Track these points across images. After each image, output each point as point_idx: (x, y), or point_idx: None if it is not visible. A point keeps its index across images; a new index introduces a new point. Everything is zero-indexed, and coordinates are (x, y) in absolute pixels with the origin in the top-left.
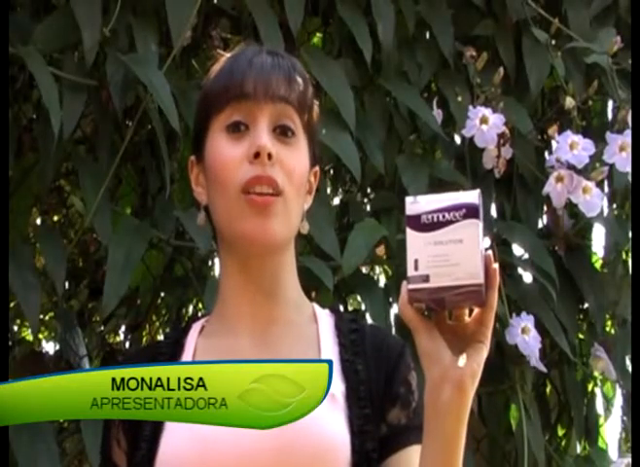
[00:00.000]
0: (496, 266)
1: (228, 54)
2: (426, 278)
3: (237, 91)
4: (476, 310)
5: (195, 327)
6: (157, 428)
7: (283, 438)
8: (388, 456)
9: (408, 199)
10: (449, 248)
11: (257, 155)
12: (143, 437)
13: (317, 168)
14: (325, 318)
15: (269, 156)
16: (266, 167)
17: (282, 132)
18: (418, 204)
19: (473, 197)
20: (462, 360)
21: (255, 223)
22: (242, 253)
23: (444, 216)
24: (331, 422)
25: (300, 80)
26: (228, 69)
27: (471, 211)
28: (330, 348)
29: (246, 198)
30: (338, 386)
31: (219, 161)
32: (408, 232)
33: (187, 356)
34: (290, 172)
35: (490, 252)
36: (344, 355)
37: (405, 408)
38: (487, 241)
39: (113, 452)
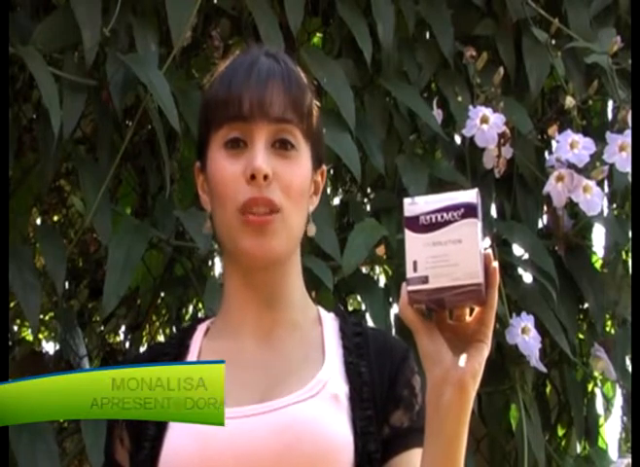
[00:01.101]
0: (496, 264)
1: (228, 61)
2: (425, 279)
3: (234, 112)
4: (476, 310)
5: (201, 328)
6: (160, 428)
7: (286, 438)
8: (390, 458)
9: (406, 201)
10: (448, 248)
11: (253, 177)
12: (147, 436)
13: (324, 167)
14: (329, 321)
15: (265, 177)
16: (262, 188)
17: (282, 146)
18: (416, 205)
19: (471, 196)
20: (463, 360)
21: (254, 242)
22: (244, 265)
23: (442, 216)
24: (333, 423)
25: (298, 89)
26: (226, 81)
27: (469, 211)
28: (334, 351)
29: (243, 219)
30: (342, 388)
31: (218, 177)
32: (407, 233)
33: (191, 357)
34: (288, 187)
35: (490, 251)
36: (348, 358)
37: (408, 410)
38: (487, 241)
39: (116, 451)
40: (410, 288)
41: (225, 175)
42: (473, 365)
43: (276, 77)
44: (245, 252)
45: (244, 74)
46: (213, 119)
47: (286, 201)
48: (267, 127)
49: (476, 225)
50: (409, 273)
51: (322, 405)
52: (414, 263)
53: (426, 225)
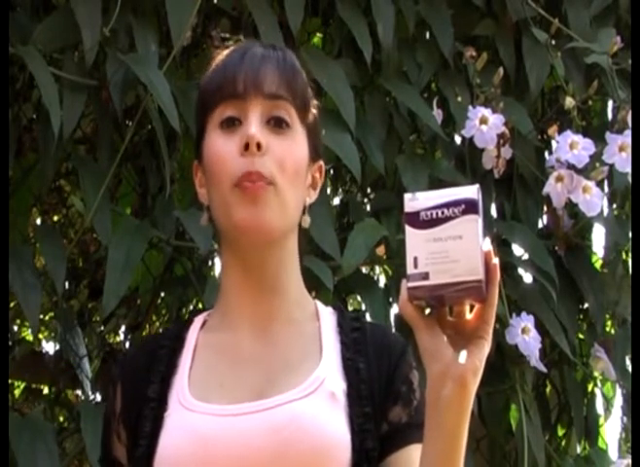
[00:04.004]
0: (496, 261)
1: (223, 54)
2: (425, 276)
3: (229, 90)
4: (476, 306)
5: (197, 321)
6: (156, 425)
7: (282, 436)
8: (389, 455)
9: (407, 196)
10: (449, 245)
11: (246, 146)
12: (142, 434)
13: (321, 163)
14: (327, 316)
15: (259, 146)
16: (255, 159)
17: (276, 124)
18: (417, 201)
19: (472, 192)
20: (463, 356)
21: (248, 211)
22: (241, 247)
23: (442, 212)
24: (331, 421)
25: (291, 71)
26: (221, 67)
27: (470, 207)
28: (331, 346)
29: (240, 187)
30: (340, 385)
31: (213, 154)
32: (407, 229)
33: (187, 351)
34: (281, 161)
35: (490, 247)
36: (346, 354)
37: (406, 406)
38: (488, 241)
39: (113, 446)
40: (411, 284)
41: (220, 152)
42: (473, 361)
43: (271, 59)
44: (240, 224)
45: (238, 58)
46: (208, 102)
47: (280, 176)
48: (262, 103)
49: (476, 221)
50: (410, 269)
51: (319, 403)
52: (415, 259)
53: (427, 221)
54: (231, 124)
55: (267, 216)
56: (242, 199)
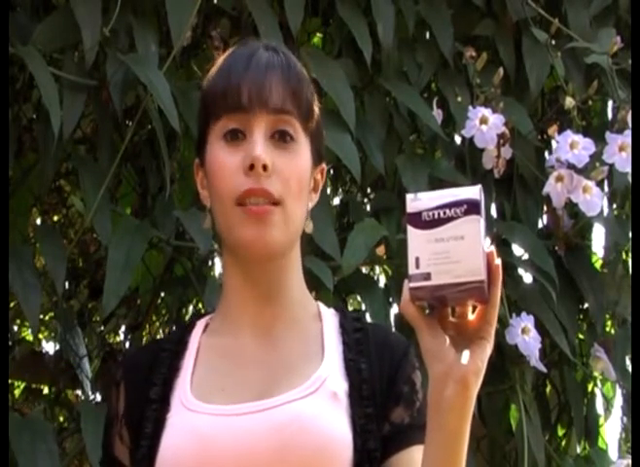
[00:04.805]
0: (499, 261)
1: (226, 54)
2: (427, 276)
3: (233, 101)
4: (479, 307)
5: (200, 325)
6: (158, 426)
7: (284, 436)
8: (391, 455)
9: (409, 197)
10: (451, 245)
11: (252, 167)
12: (144, 434)
13: (323, 165)
14: (329, 317)
15: (265, 167)
16: (261, 179)
17: (281, 137)
18: (419, 201)
19: (474, 192)
20: (465, 357)
21: (253, 231)
22: (243, 257)
23: (444, 213)
24: (332, 421)
25: (296, 80)
26: (225, 72)
27: (472, 207)
28: (334, 347)
29: (242, 210)
30: (342, 385)
31: (216, 169)
32: (409, 229)
33: (190, 354)
34: (287, 180)
35: (493, 248)
36: (348, 354)
37: (408, 407)
38: (488, 241)
39: (115, 448)
40: (412, 285)
41: (223, 167)
42: (475, 362)
43: (275, 68)
44: (245, 243)
45: (243, 65)
46: (212, 110)
47: (286, 194)
48: (267, 118)
49: (478, 221)
50: (412, 270)
51: (321, 402)
52: (417, 259)
53: (429, 221)
54: (235, 136)
55: (272, 236)
56: (246, 220)
